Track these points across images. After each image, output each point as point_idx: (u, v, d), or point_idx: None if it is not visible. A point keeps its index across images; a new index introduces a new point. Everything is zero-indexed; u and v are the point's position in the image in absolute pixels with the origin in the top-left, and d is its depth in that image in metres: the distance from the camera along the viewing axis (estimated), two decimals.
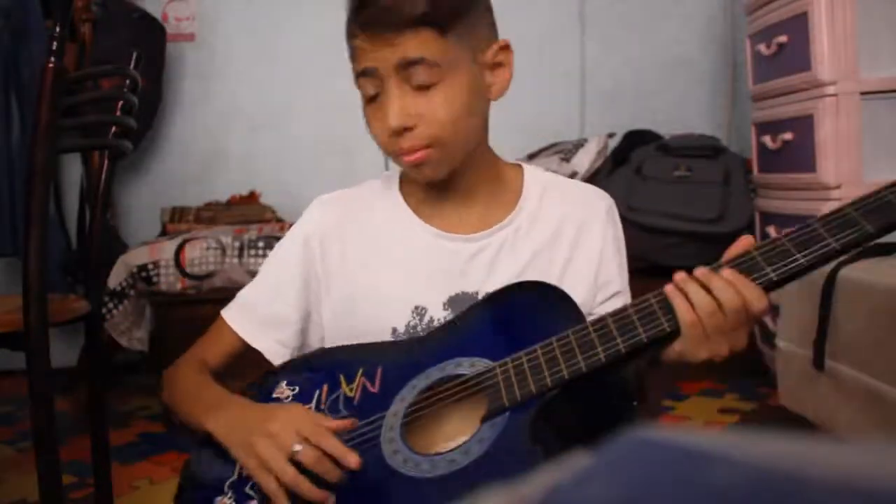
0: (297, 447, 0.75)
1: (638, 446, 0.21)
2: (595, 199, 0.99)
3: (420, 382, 0.82)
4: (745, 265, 0.73)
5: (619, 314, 0.76)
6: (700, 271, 0.74)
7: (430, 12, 0.81)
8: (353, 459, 0.75)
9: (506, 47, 0.89)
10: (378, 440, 0.78)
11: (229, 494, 0.81)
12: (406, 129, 0.84)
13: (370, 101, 0.87)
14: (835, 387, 1.45)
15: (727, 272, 0.73)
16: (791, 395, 1.67)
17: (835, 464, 0.19)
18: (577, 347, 0.75)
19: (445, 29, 0.83)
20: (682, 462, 0.20)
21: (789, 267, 0.72)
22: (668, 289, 0.74)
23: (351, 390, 0.85)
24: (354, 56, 0.87)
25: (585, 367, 0.73)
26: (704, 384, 2.36)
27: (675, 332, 0.73)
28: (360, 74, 0.86)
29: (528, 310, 0.85)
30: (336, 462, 0.76)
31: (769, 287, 0.73)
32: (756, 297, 0.72)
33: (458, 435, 0.78)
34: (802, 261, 0.71)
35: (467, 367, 0.81)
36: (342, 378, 0.87)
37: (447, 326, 0.89)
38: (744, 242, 0.76)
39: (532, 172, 1.00)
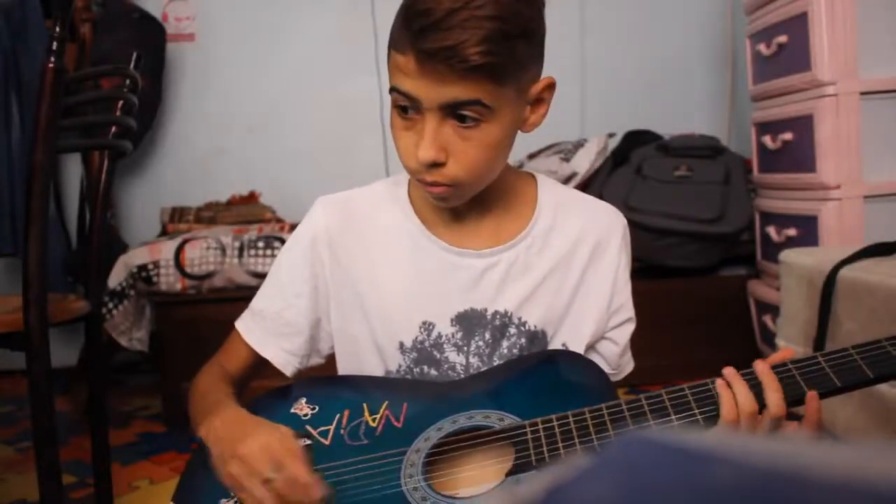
0: (271, 475, 0.73)
1: (638, 446, 0.21)
2: (613, 219, 0.96)
3: (447, 426, 0.83)
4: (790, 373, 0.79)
5: (653, 397, 0.79)
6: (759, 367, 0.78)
7: (493, 62, 0.75)
8: (316, 491, 0.73)
9: (551, 85, 0.86)
10: (398, 473, 0.79)
11: (235, 499, 0.81)
12: (435, 164, 0.81)
13: (402, 111, 0.82)
14: None
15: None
16: None
17: (835, 464, 0.19)
18: (608, 421, 0.78)
19: (504, 77, 0.78)
20: (682, 462, 0.20)
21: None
22: (719, 383, 0.78)
23: (374, 420, 0.86)
24: (398, 70, 0.80)
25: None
26: None
27: (707, 426, 0.77)
28: (398, 92, 0.80)
29: (562, 376, 0.88)
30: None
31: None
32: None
33: (477, 482, 0.80)
34: (839, 383, 0.76)
35: (495, 420, 0.83)
36: (365, 407, 0.87)
37: (478, 377, 0.90)
38: (783, 354, 0.81)
39: (546, 185, 0.97)
